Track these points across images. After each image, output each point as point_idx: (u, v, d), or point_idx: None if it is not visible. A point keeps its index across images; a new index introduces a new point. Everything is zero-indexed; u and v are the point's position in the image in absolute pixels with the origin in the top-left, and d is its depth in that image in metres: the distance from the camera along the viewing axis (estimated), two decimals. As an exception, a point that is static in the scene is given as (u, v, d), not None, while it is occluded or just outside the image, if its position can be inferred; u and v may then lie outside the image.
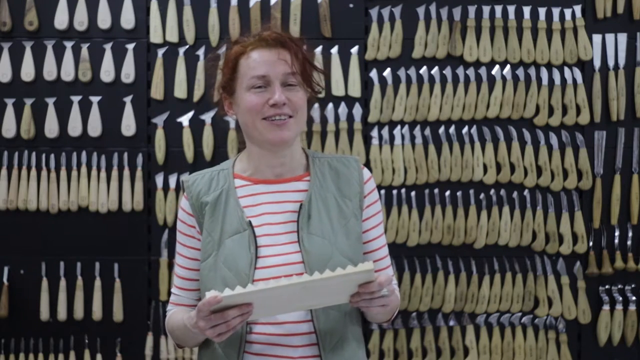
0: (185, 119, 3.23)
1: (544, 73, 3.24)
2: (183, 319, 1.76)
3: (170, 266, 3.21)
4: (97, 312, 3.20)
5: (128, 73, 3.23)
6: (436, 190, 3.24)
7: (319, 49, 3.18)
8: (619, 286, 3.24)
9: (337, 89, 3.23)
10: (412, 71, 3.24)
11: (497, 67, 3.24)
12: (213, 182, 1.83)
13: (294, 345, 1.73)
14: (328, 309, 1.75)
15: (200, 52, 3.23)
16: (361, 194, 1.85)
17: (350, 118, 3.24)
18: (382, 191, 3.22)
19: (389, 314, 1.85)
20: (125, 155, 3.23)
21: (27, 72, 3.23)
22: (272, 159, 1.82)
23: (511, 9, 3.24)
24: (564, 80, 3.24)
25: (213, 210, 1.80)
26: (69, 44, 3.23)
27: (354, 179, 1.85)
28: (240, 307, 1.59)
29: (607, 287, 3.24)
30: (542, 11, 3.25)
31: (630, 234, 3.23)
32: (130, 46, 3.24)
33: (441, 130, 3.24)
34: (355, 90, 3.23)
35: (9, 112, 3.23)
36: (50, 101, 3.23)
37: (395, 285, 1.89)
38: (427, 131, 3.24)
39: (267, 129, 1.76)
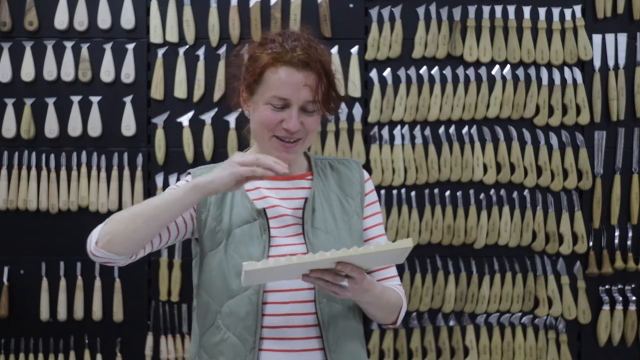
0: (185, 119, 3.23)
1: (544, 73, 3.24)
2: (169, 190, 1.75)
3: (170, 266, 3.21)
4: (97, 312, 3.20)
5: (128, 73, 3.23)
6: (436, 190, 3.24)
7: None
8: (619, 286, 3.24)
9: (338, 90, 3.22)
10: (412, 71, 3.24)
11: (497, 67, 3.24)
12: None
13: (297, 337, 1.75)
14: (332, 303, 1.77)
15: (200, 52, 3.24)
16: (362, 193, 1.89)
17: (350, 118, 3.24)
18: (382, 191, 3.22)
19: (383, 312, 1.85)
20: (125, 155, 3.23)
21: (27, 72, 3.23)
22: None
23: (511, 9, 3.24)
24: (564, 80, 3.24)
25: (220, 202, 1.83)
26: (69, 44, 3.23)
27: (355, 179, 1.90)
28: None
29: (607, 287, 3.24)
30: (542, 11, 3.25)
31: (630, 234, 3.24)
32: (130, 46, 3.24)
33: (441, 130, 3.24)
34: (355, 90, 3.23)
35: (9, 112, 3.23)
36: (50, 101, 3.23)
37: (399, 286, 1.90)
38: (427, 131, 3.24)
39: (275, 147, 1.79)
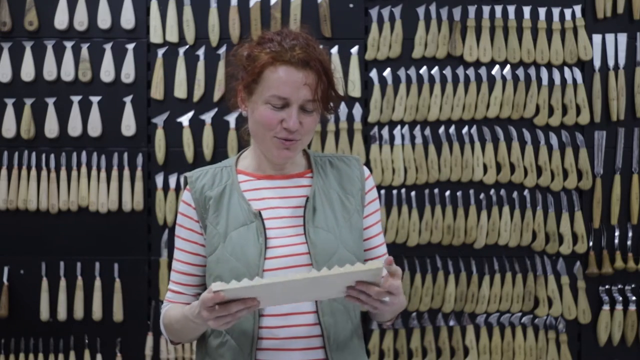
0: (185, 119, 3.23)
1: (544, 73, 3.24)
2: (183, 310, 1.75)
3: (171, 266, 3.20)
4: (97, 312, 3.20)
5: (128, 73, 3.23)
6: (436, 190, 3.24)
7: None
8: (619, 286, 3.24)
9: (337, 89, 3.22)
10: (412, 71, 3.24)
11: (497, 67, 3.24)
12: (216, 177, 1.85)
13: (300, 347, 1.75)
14: (334, 310, 1.77)
15: (200, 52, 3.24)
16: (362, 191, 1.89)
17: (350, 118, 3.24)
18: (382, 191, 3.22)
19: (392, 314, 1.85)
20: (125, 155, 3.23)
21: (27, 72, 3.23)
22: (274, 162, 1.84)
23: (511, 9, 3.24)
24: (564, 80, 3.24)
25: (217, 204, 1.81)
26: (69, 44, 3.23)
27: (356, 176, 1.89)
28: (245, 300, 1.57)
29: (607, 287, 3.24)
30: (542, 11, 3.25)
31: (630, 234, 3.24)
32: (130, 46, 3.24)
33: (441, 130, 3.24)
34: (355, 90, 3.23)
35: (9, 112, 3.23)
36: (50, 101, 3.23)
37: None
38: (427, 131, 3.24)
39: (275, 145, 1.78)
